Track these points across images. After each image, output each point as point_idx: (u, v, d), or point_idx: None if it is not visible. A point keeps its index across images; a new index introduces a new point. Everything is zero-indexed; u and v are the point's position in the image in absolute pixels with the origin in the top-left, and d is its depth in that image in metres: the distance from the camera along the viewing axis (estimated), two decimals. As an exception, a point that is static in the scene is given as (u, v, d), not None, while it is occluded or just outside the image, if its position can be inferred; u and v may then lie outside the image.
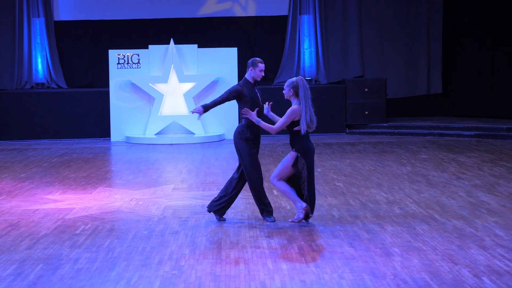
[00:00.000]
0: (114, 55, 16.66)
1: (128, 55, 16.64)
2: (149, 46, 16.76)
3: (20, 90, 17.56)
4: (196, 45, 16.80)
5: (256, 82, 8.28)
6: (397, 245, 7.03)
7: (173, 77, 16.54)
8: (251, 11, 18.41)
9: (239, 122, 8.19)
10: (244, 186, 8.31)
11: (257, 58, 8.28)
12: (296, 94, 7.82)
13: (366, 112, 17.25)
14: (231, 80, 16.60)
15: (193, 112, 8.33)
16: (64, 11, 18.27)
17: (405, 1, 18.72)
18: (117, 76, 16.62)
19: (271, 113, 8.18)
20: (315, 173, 11.11)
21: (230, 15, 18.35)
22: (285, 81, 8.25)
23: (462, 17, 18.39)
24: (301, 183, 7.87)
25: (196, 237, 7.49)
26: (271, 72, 18.05)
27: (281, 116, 8.01)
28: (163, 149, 15.16)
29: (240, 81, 8.26)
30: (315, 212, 8.14)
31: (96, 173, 11.95)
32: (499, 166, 11.94)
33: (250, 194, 8.52)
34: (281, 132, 8.15)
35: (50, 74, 18.03)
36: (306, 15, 18.34)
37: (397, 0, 18.68)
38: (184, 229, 7.85)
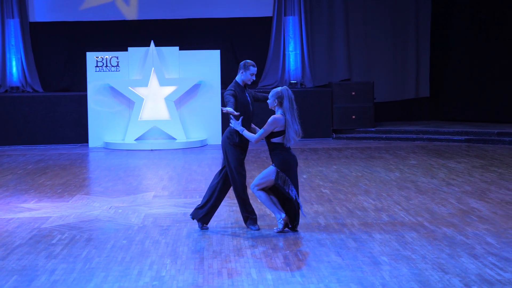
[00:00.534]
0: (92, 57, 16.61)
1: (106, 58, 16.59)
2: (129, 48, 16.72)
3: (-6, 94, 17.48)
4: (178, 47, 16.78)
5: (246, 86, 8.27)
6: (385, 253, 7.04)
7: (153, 80, 16.51)
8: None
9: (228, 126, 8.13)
10: (228, 193, 8.30)
11: (250, 61, 8.28)
12: (281, 104, 7.83)
13: (353, 117, 17.29)
14: (214, 83, 16.61)
15: (224, 111, 7.88)
16: (40, 12, 18.20)
17: (393, 2, 18.81)
18: (95, 80, 16.56)
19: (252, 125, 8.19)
20: (301, 180, 11.13)
21: (213, 16, 18.36)
22: (269, 85, 8.26)
23: (450, 19, 18.49)
24: (290, 200, 7.84)
25: (178, 247, 7.47)
26: (255, 75, 18.02)
27: (260, 127, 7.99)
28: (143, 155, 15.12)
29: (231, 85, 8.21)
30: (300, 220, 8.13)
31: (74, 180, 11.90)
32: (490, 172, 12.00)
33: (233, 201, 8.50)
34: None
35: (25, 77, 17.95)
36: (291, 16, 18.37)
37: (384, 1, 18.77)
38: (165, 238, 7.83)
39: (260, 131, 7.88)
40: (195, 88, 16.65)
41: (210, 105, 16.62)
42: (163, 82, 16.49)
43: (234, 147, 8.07)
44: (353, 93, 17.32)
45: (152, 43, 16.53)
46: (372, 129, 17.27)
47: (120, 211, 9.35)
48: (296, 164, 7.92)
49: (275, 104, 7.86)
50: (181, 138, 16.42)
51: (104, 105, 16.60)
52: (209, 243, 7.60)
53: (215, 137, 16.43)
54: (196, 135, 16.72)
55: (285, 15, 18.39)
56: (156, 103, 16.59)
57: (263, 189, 7.91)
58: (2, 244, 7.64)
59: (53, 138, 16.82)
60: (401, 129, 17.11)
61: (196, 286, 6.16)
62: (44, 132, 16.81)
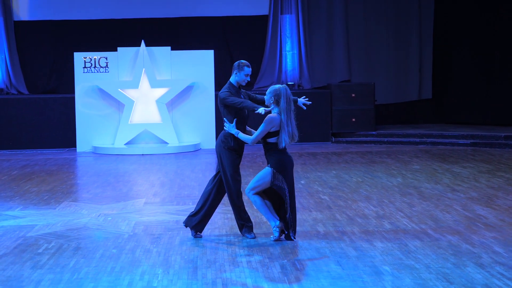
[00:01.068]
0: (80, 58, 16.61)
1: (95, 58, 16.59)
2: (118, 48, 16.72)
3: (-23, 96, 17.46)
4: (169, 47, 16.78)
5: (240, 87, 8.27)
6: (387, 263, 7.04)
7: (144, 82, 16.51)
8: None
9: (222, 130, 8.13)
10: (222, 199, 8.29)
11: (244, 61, 8.28)
12: (277, 102, 7.83)
13: (353, 119, 17.31)
14: (207, 85, 16.61)
15: (257, 112, 7.84)
16: (25, 10, 18.19)
17: (395, 0, 18.83)
18: (83, 81, 16.55)
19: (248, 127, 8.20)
20: (299, 185, 11.13)
21: (207, 15, 18.36)
22: (265, 87, 8.25)
23: (454, 19, 18.51)
24: (285, 203, 7.85)
25: (170, 256, 7.46)
26: (251, 76, 18.03)
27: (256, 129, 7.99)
28: (134, 160, 15.11)
29: (225, 86, 8.21)
30: (298, 228, 8.13)
31: (61, 186, 11.89)
32: (497, 177, 12.01)
33: (228, 208, 8.49)
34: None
35: (9, 78, 17.93)
36: (288, 15, 18.39)
37: (386, -1, 18.83)
38: (157, 247, 7.82)
39: (256, 132, 7.88)
40: (188, 90, 16.65)
41: (204, 108, 16.62)
42: (154, 84, 16.49)
43: (229, 151, 8.06)
44: (353, 95, 17.34)
45: (142, 43, 16.54)
46: (373, 132, 17.29)
47: (109, 218, 9.34)
48: (292, 166, 7.92)
49: (271, 101, 7.87)
50: (173, 142, 16.42)
51: (93, 108, 16.59)
52: (203, 252, 7.59)
53: (209, 141, 16.43)
54: (189, 139, 16.71)
55: (281, 13, 18.41)
56: (147, 106, 16.59)
57: (258, 193, 7.91)
58: (-15, 254, 7.62)
59: (39, 143, 16.81)
60: (403, 133, 17.13)
61: (189, 297, 6.15)
62: (30, 136, 16.79)
